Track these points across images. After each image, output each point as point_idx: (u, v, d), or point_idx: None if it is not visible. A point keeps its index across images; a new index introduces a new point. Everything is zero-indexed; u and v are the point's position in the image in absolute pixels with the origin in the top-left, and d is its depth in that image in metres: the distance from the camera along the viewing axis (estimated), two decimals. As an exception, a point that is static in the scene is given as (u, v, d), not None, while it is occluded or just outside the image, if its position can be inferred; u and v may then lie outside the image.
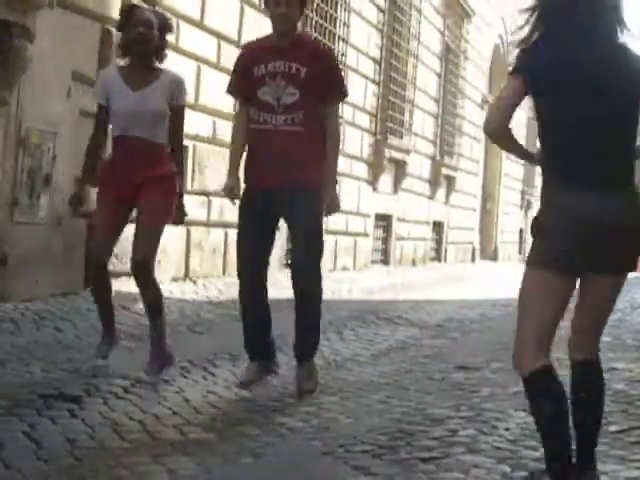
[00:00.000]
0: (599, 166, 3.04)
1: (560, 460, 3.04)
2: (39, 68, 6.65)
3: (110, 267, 5.17)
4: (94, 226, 5.13)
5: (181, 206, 5.08)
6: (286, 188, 4.64)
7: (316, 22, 11.71)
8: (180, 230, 8.11)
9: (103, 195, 5.02)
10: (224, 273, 9.70)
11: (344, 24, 12.55)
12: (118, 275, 7.84)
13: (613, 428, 4.15)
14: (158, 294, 5.01)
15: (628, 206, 3.07)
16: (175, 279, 8.64)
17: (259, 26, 10.32)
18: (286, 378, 5.12)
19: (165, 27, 5.07)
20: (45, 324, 6.18)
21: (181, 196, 5.09)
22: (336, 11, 12.36)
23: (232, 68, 5.01)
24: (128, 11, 5.10)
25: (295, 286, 4.79)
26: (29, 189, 6.85)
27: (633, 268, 3.18)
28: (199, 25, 9.03)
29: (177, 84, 5.03)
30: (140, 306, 6.63)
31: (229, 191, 4.84)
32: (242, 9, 9.94)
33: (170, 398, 4.50)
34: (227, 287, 9.11)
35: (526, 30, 3.16)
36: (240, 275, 4.85)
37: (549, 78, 3.05)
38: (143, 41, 4.94)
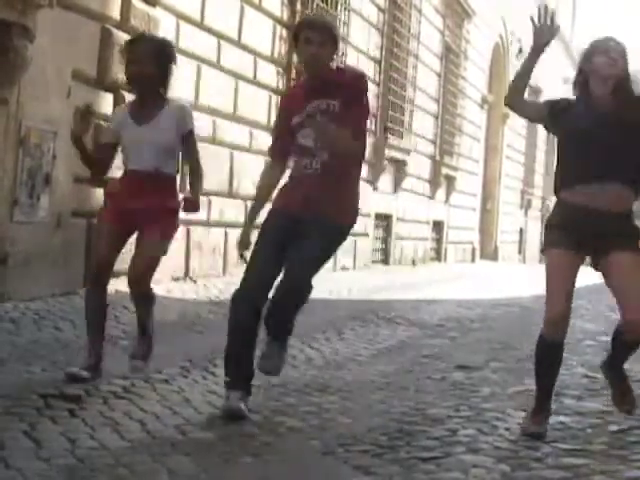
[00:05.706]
0: None
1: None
2: (39, 67, 6.65)
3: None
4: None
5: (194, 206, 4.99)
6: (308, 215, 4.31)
7: (316, 22, 11.70)
8: (180, 230, 8.09)
9: (109, 214, 5.00)
10: (224, 273, 9.70)
11: (344, 24, 12.54)
12: (118, 275, 7.84)
13: (613, 428, 4.15)
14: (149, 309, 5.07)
15: None
16: (175, 279, 8.64)
17: (259, 26, 10.36)
18: (286, 378, 5.12)
19: (164, 56, 4.90)
20: (45, 323, 6.18)
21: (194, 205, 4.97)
22: (336, 10, 12.36)
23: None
24: (126, 47, 5.00)
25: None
26: (29, 188, 6.85)
27: None
28: (199, 25, 9.03)
29: (181, 110, 4.92)
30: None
31: (243, 247, 4.52)
32: (242, 9, 9.94)
33: (170, 398, 4.49)
34: (227, 287, 9.11)
35: None
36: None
37: None
38: (137, 81, 4.89)
